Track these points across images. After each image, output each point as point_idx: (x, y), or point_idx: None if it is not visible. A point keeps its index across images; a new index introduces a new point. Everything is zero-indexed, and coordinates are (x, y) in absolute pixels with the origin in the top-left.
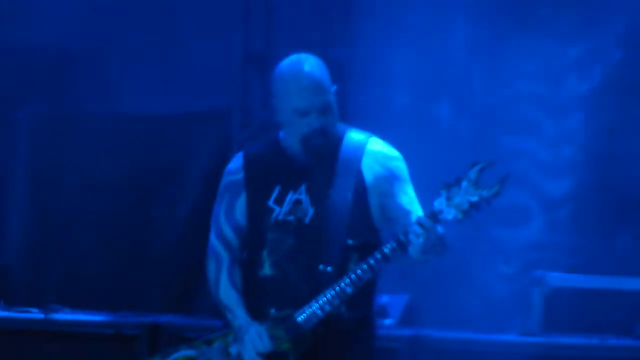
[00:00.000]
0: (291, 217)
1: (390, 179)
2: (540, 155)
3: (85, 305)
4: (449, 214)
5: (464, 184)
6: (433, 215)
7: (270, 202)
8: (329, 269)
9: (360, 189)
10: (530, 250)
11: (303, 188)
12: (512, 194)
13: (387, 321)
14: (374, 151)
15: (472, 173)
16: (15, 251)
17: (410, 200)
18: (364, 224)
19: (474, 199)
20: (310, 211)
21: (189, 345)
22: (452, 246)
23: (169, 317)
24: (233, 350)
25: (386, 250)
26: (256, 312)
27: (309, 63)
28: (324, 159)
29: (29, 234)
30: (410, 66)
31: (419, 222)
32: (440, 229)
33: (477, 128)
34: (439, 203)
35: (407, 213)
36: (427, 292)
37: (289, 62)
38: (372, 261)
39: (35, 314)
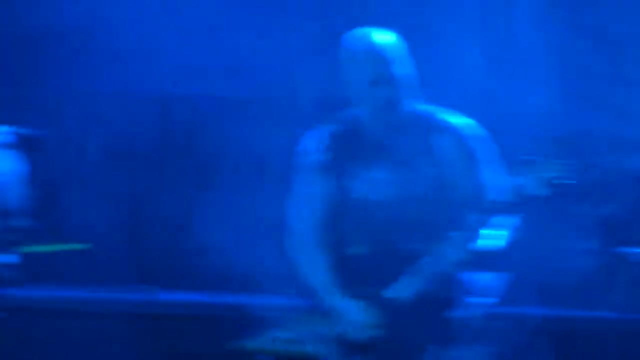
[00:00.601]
0: (373, 196)
1: (461, 158)
2: None
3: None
4: (529, 190)
5: (543, 160)
6: (514, 190)
7: (352, 181)
8: (413, 246)
9: (438, 165)
10: None
11: (383, 165)
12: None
13: (484, 300)
14: (452, 127)
15: (550, 150)
16: None
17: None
18: (445, 200)
19: (554, 174)
20: (392, 189)
21: (282, 328)
22: None
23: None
24: (324, 330)
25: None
26: (343, 291)
27: (377, 34)
28: (401, 134)
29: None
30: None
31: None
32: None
33: None
34: (519, 179)
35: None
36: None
37: (357, 35)
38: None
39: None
